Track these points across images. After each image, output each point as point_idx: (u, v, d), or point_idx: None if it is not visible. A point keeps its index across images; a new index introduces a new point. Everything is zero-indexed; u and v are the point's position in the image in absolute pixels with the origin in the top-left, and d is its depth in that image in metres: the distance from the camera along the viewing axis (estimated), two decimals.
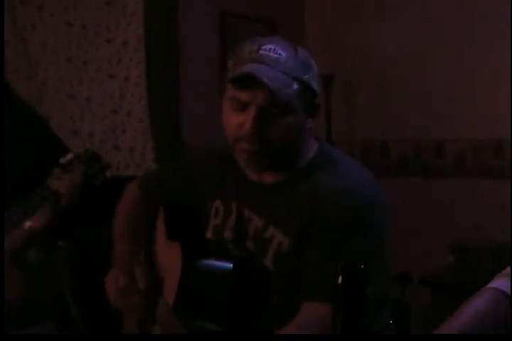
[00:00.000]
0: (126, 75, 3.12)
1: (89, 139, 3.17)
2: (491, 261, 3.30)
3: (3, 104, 2.14)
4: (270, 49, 1.47)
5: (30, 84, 3.18)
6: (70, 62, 3.18)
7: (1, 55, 2.74)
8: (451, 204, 3.70)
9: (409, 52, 3.79)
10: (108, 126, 3.15)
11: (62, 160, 1.94)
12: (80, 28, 3.15)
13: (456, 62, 3.69)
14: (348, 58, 3.95)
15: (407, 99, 3.82)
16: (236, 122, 1.49)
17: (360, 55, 3.94)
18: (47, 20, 3.17)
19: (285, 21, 3.82)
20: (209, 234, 1.68)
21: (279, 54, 1.47)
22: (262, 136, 1.47)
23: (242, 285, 1.51)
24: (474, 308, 1.28)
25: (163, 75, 3.15)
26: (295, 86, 1.46)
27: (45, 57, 3.20)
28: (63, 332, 2.21)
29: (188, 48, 3.23)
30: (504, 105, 3.51)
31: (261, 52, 1.47)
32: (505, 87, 3.49)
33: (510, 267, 1.33)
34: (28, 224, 1.93)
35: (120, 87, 3.13)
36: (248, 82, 1.44)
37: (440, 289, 3.40)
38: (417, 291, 3.34)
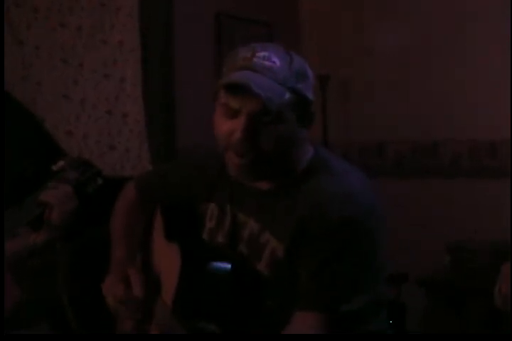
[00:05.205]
0: (122, 76, 3.12)
1: (85, 140, 3.16)
2: (488, 262, 3.30)
3: (3, 104, 2.15)
4: (264, 56, 1.43)
5: (25, 85, 3.17)
6: (65, 64, 3.17)
7: (1, 55, 2.74)
8: (448, 204, 3.70)
9: (407, 52, 3.79)
10: (103, 127, 3.15)
11: (54, 168, 1.93)
12: (75, 30, 3.14)
13: (454, 62, 3.69)
14: (344, 59, 3.95)
15: (404, 99, 3.82)
16: (226, 129, 1.45)
17: (357, 56, 3.94)
18: (42, 21, 3.16)
19: (281, 22, 3.82)
20: (205, 236, 1.67)
21: (273, 62, 1.43)
22: (252, 144, 1.43)
23: (237, 287, 1.51)
24: None
25: (158, 76, 3.15)
26: (287, 95, 1.42)
27: (40, 59, 3.19)
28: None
29: (183, 49, 3.22)
30: (500, 106, 3.52)
31: (255, 59, 1.43)
32: (502, 87, 3.49)
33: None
34: (33, 237, 1.92)
35: (116, 88, 3.13)
36: (240, 89, 1.40)
37: (436, 289, 3.40)
38: (413, 291, 3.34)
